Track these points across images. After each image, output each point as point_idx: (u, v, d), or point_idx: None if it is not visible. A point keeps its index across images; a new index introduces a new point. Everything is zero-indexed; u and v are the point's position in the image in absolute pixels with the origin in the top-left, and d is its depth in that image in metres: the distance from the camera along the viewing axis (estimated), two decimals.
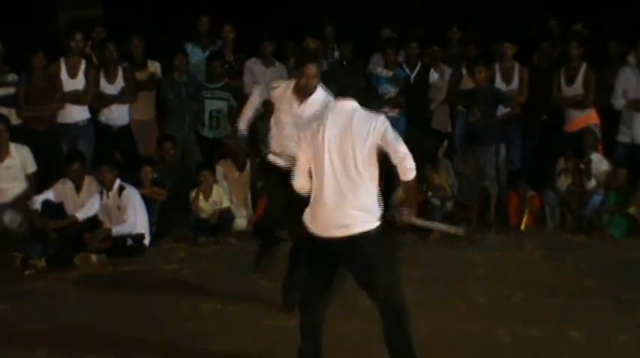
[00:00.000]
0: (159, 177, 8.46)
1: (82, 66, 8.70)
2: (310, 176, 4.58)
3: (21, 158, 8.33)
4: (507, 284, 6.52)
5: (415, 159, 4.50)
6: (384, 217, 4.52)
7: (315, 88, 5.52)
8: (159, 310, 6.08)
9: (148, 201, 8.10)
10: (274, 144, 5.80)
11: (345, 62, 9.30)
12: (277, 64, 9.48)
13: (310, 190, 4.59)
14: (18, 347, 5.39)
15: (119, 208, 7.79)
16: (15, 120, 8.61)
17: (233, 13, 10.17)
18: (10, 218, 8.22)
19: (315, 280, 4.62)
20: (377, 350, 4.68)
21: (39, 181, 8.35)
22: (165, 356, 5.18)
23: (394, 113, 8.91)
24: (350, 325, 5.38)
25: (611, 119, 8.84)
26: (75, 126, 8.71)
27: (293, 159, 4.86)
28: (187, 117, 9.13)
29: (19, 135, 8.45)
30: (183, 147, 9.06)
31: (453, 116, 9.39)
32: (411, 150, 4.49)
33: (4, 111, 8.62)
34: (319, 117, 4.62)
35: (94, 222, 7.83)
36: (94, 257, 7.49)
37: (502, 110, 8.63)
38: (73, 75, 8.66)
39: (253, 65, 9.43)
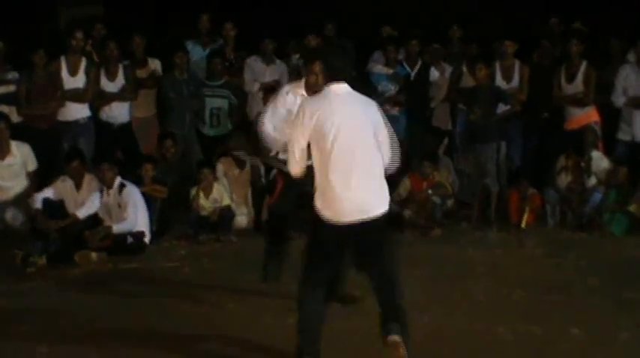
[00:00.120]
0: (159, 174, 8.46)
1: (83, 64, 8.71)
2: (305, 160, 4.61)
3: (22, 156, 8.36)
4: (508, 282, 6.52)
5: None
6: (390, 209, 4.61)
7: (324, 84, 5.51)
8: (159, 308, 6.08)
9: (148, 198, 8.09)
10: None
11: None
12: (278, 61, 9.49)
13: (309, 177, 4.61)
14: (19, 344, 5.39)
15: (120, 206, 7.78)
16: (16, 118, 8.63)
17: (234, 11, 10.17)
18: (11, 215, 8.26)
19: (322, 269, 4.62)
20: (377, 349, 4.67)
21: (40, 179, 8.36)
22: (166, 353, 5.17)
23: (395, 111, 8.92)
24: (350, 324, 5.37)
25: (611, 117, 8.85)
26: (75, 123, 8.72)
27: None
28: (188, 115, 9.14)
29: (19, 132, 8.47)
30: (183, 144, 9.06)
31: (453, 114, 9.40)
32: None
33: (5, 109, 8.65)
34: (316, 103, 4.62)
35: (94, 220, 7.83)
36: (94, 255, 7.48)
37: (502, 108, 8.64)
38: (73, 73, 8.67)
39: (254, 63, 9.44)
